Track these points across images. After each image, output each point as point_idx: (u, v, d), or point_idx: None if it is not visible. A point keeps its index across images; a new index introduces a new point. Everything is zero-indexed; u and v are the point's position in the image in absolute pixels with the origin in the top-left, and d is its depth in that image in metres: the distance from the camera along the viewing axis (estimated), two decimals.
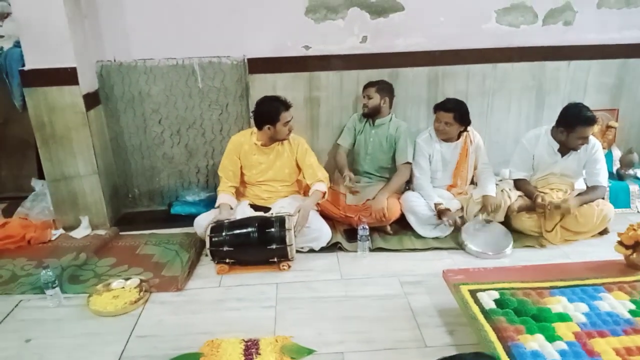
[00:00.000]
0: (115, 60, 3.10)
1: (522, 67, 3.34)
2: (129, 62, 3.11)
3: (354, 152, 3.22)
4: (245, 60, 3.15)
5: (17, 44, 3.17)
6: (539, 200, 2.77)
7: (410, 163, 3.04)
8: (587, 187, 2.92)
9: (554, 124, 2.86)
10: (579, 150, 2.83)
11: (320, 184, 2.85)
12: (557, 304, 1.85)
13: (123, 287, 2.41)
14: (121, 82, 3.14)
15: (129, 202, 3.43)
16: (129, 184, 3.39)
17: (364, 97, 3.07)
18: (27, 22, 2.74)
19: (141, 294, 2.37)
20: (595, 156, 2.84)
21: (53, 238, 3.03)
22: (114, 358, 1.98)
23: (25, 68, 2.85)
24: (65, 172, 3.02)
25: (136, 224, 3.22)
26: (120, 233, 3.12)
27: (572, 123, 2.72)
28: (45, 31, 2.74)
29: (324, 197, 2.85)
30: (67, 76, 2.82)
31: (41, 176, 3.32)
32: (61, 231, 3.09)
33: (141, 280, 2.46)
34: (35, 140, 3.03)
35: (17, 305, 2.36)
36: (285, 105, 2.78)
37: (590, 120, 2.69)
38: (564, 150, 2.86)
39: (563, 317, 1.77)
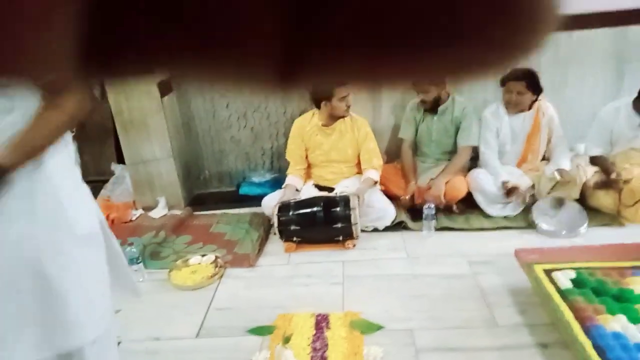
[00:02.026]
0: None
1: (600, 34, 3.11)
2: None
3: (417, 140, 3.12)
4: None
5: None
6: (615, 175, 2.62)
7: (471, 146, 2.95)
8: None
9: (636, 95, 2.66)
10: None
11: (373, 172, 2.86)
12: None
13: (200, 263, 2.57)
14: None
15: (200, 183, 3.61)
16: (200, 166, 3.57)
17: (417, 92, 2.92)
18: None
19: (216, 269, 2.51)
20: None
21: (134, 218, 3.27)
22: (195, 328, 2.13)
23: None
24: (143, 156, 3.23)
25: (208, 204, 3.40)
26: (194, 213, 3.31)
27: None
28: None
29: (375, 184, 2.86)
30: None
31: (120, 160, 3.57)
32: (141, 211, 3.32)
33: (216, 257, 2.61)
34: (114, 127, 3.26)
35: None
36: None
37: None
38: None
39: None
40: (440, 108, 2.98)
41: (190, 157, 3.52)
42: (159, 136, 3.17)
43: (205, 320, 2.18)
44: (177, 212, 3.28)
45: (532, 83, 2.77)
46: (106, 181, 3.63)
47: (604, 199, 2.72)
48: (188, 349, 2.01)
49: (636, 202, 2.63)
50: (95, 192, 3.57)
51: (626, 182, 2.61)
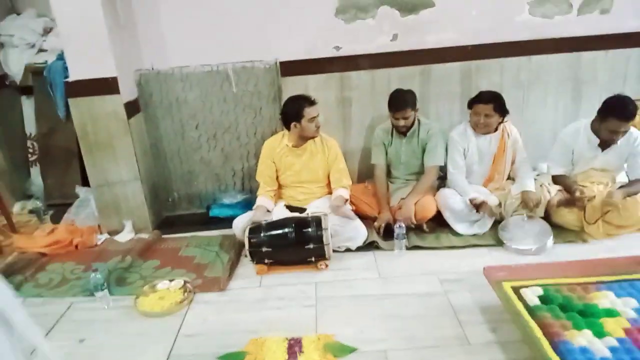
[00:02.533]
0: (153, 69, 3.21)
1: (557, 59, 3.27)
2: (166, 70, 3.20)
3: (387, 163, 3.15)
4: (278, 64, 3.20)
5: (60, 57, 3.32)
6: (578, 193, 2.71)
7: (438, 166, 3.00)
8: (630, 180, 2.84)
9: (593, 117, 2.79)
10: (619, 144, 2.75)
11: (343, 190, 2.90)
12: (604, 299, 1.81)
13: (168, 288, 2.49)
14: (159, 90, 3.24)
15: (169, 205, 3.53)
16: (168, 188, 3.50)
17: (397, 119, 2.91)
18: (69, 35, 2.86)
19: (185, 294, 2.44)
20: (637, 149, 2.75)
21: (99, 242, 3.16)
22: (163, 356, 2.05)
23: (69, 79, 2.98)
24: (109, 178, 3.14)
25: (177, 227, 3.32)
26: (162, 236, 3.22)
27: (606, 113, 2.65)
28: (87, 43, 2.85)
29: (346, 202, 2.88)
30: (108, 85, 2.93)
31: (85, 183, 3.46)
32: (106, 235, 3.22)
33: (185, 282, 2.54)
34: (78, 149, 3.17)
35: (69, 307, 2.48)
36: (309, 101, 2.81)
37: (624, 115, 2.59)
38: (604, 144, 2.78)
39: (611, 313, 1.74)
40: (409, 132, 3.03)
41: (158, 178, 3.45)
42: (126, 158, 3.09)
43: (174, 347, 2.11)
44: (145, 235, 3.19)
45: (498, 106, 2.86)
46: (70, 205, 3.51)
47: (568, 216, 2.81)
48: None
49: (598, 219, 2.73)
50: (59, 216, 3.45)
51: (589, 200, 2.71)
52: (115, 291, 2.54)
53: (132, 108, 3.11)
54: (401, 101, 2.90)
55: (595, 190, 2.79)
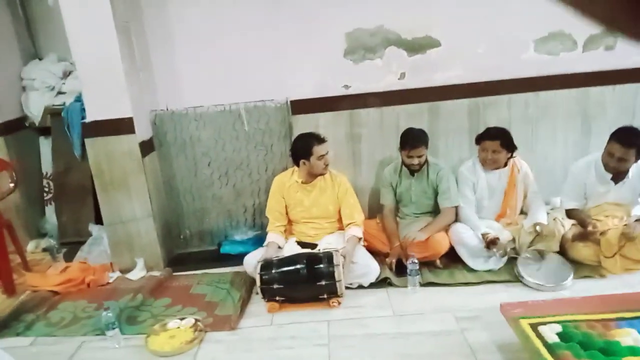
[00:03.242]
0: (167, 109, 3.30)
1: (565, 94, 3.31)
2: (180, 110, 3.29)
3: (397, 201, 3.16)
4: (289, 102, 3.27)
5: (78, 99, 3.43)
6: (591, 227, 2.68)
7: (455, 207, 2.99)
8: None
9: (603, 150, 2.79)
10: (630, 176, 2.74)
11: (356, 229, 2.87)
12: (627, 336, 1.76)
13: (179, 327, 2.47)
14: (173, 129, 3.32)
15: (180, 242, 3.54)
16: (180, 225, 3.52)
17: (411, 157, 2.91)
18: (88, 78, 2.97)
19: (196, 333, 2.41)
20: None
21: (111, 280, 3.16)
22: None
23: (86, 120, 3.07)
24: (123, 216, 3.17)
25: (188, 264, 3.31)
26: (174, 274, 3.21)
27: (610, 137, 2.69)
28: (104, 85, 2.96)
29: (359, 241, 2.87)
30: (124, 126, 3.01)
31: (98, 221, 3.50)
32: (118, 273, 3.22)
33: (196, 320, 2.51)
34: (92, 187, 3.22)
35: (80, 346, 2.46)
36: (318, 140, 2.85)
37: (624, 140, 2.61)
38: (617, 178, 2.77)
39: (635, 351, 1.68)
40: (417, 172, 3.04)
41: (170, 216, 3.48)
42: (140, 195, 3.14)
43: None
44: (156, 273, 3.19)
45: (506, 141, 2.88)
46: (84, 242, 3.53)
47: (584, 251, 2.77)
48: None
49: (615, 254, 2.68)
50: (72, 254, 3.47)
51: (602, 233, 2.67)
52: (126, 330, 2.52)
53: (146, 147, 3.18)
54: (416, 139, 2.91)
55: (610, 223, 2.75)
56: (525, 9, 3.15)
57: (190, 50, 3.23)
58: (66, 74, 3.75)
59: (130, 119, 3.01)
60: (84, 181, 3.69)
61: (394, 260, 2.85)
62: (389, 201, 3.12)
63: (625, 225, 2.67)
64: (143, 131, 3.16)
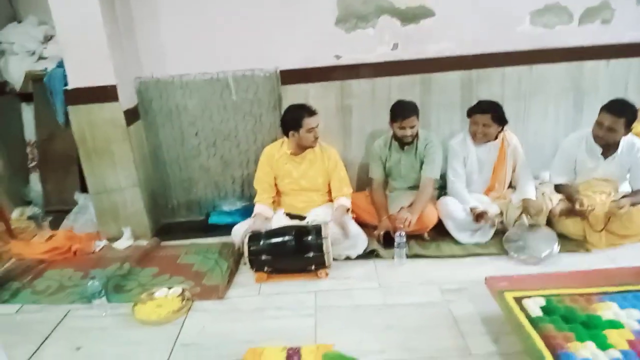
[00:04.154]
0: (153, 77, 3.21)
1: (559, 68, 3.27)
2: (165, 78, 3.20)
3: (387, 175, 3.14)
4: (278, 72, 3.20)
5: (60, 65, 3.31)
6: (578, 205, 2.69)
7: (434, 179, 2.97)
8: (633, 190, 2.83)
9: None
10: (619, 152, 2.75)
11: (345, 199, 2.88)
12: (608, 310, 1.79)
13: (166, 296, 2.47)
14: (159, 97, 3.24)
15: (168, 212, 3.51)
16: (167, 195, 3.48)
17: (404, 128, 2.87)
18: (69, 44, 2.86)
19: (183, 302, 2.41)
20: (639, 160, 2.75)
21: (97, 249, 3.14)
22: None
23: (69, 87, 2.97)
24: (107, 185, 3.12)
25: (175, 234, 3.30)
26: (161, 243, 3.20)
27: (601, 109, 2.70)
28: (86, 51, 2.85)
29: (347, 211, 2.87)
30: (107, 93, 2.92)
31: (84, 190, 3.45)
32: (105, 242, 3.19)
33: (183, 289, 2.51)
34: (77, 155, 3.16)
35: (66, 314, 2.45)
36: (309, 112, 2.80)
37: (614, 109, 2.62)
38: (606, 153, 2.78)
39: (615, 324, 1.71)
40: (408, 145, 3.01)
41: (157, 185, 3.43)
42: (125, 165, 3.08)
43: (171, 357, 2.08)
44: (143, 242, 3.17)
45: (497, 116, 2.86)
46: (69, 211, 3.49)
47: (570, 226, 2.79)
48: None
49: (602, 229, 2.71)
50: (58, 223, 3.43)
51: (589, 211, 2.69)
52: (112, 299, 2.52)
53: (131, 115, 3.10)
54: (408, 109, 2.88)
55: (598, 199, 2.77)
56: None
57: (176, 16, 3.12)
58: (47, 38, 3.61)
59: (114, 87, 2.92)
60: (68, 149, 3.60)
61: (381, 233, 2.85)
62: (378, 175, 3.10)
63: (613, 201, 2.69)
64: (127, 99, 3.08)
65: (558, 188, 2.92)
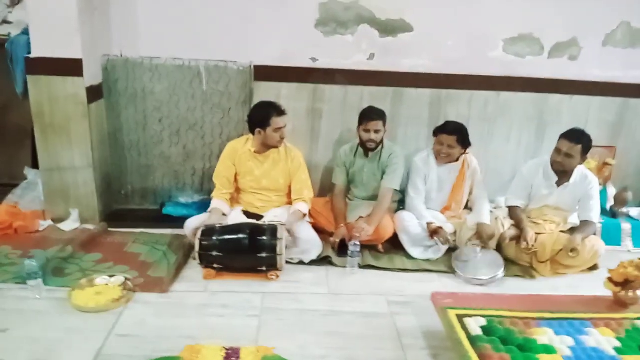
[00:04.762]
0: (121, 55, 3.11)
1: (525, 97, 3.37)
2: (135, 59, 3.11)
3: (349, 181, 3.15)
4: (252, 67, 3.16)
5: (25, 32, 3.16)
6: (524, 245, 2.76)
7: (394, 190, 3.00)
8: (580, 221, 2.93)
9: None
10: (572, 182, 2.86)
11: (303, 204, 2.85)
12: (544, 335, 1.83)
13: (107, 284, 2.37)
14: (125, 78, 3.14)
15: (121, 198, 3.40)
16: (122, 180, 3.37)
17: (368, 131, 2.91)
18: (38, 10, 2.74)
19: (124, 292, 2.33)
20: (590, 192, 2.87)
21: (41, 229, 3.00)
22: (91, 355, 1.94)
23: (31, 55, 2.84)
24: (60, 163, 2.99)
25: (126, 221, 3.19)
26: (109, 229, 3.09)
27: (559, 137, 2.84)
28: (54, 20, 2.74)
29: (303, 217, 2.85)
30: (72, 67, 2.81)
31: (35, 165, 3.29)
32: (50, 222, 3.06)
33: (126, 279, 2.42)
34: (32, 129, 3.02)
35: None
36: (278, 111, 2.77)
37: (573, 137, 2.77)
38: (561, 181, 2.88)
39: (548, 349, 1.75)
40: (372, 153, 3.03)
41: (113, 169, 3.31)
42: (81, 144, 2.96)
43: (104, 347, 2.00)
44: (91, 226, 3.05)
45: (462, 138, 2.93)
46: (17, 186, 3.32)
47: (519, 252, 2.86)
48: None
49: (548, 260, 2.79)
50: (2, 197, 3.26)
51: (532, 251, 2.79)
52: (50, 282, 2.40)
53: (94, 93, 2.99)
54: (374, 113, 2.93)
55: (547, 228, 2.86)
56: (500, 7, 3.17)
57: None
58: (14, 2, 3.44)
59: (79, 61, 2.81)
60: (24, 121, 3.43)
61: (337, 240, 2.85)
62: (340, 181, 3.10)
63: (568, 238, 2.77)
64: (92, 76, 2.97)
65: (512, 210, 2.99)
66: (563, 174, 2.87)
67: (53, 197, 3.08)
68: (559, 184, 2.89)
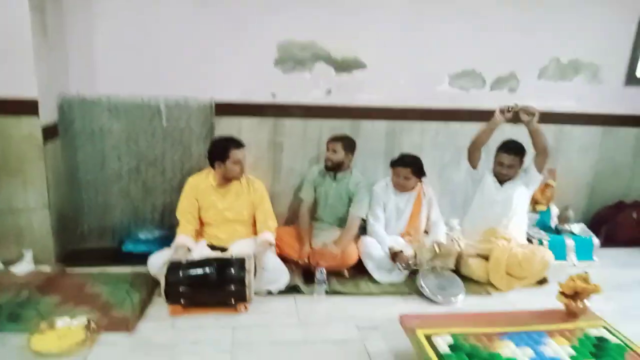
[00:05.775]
0: (78, 94, 3.07)
1: (471, 127, 3.59)
2: (92, 97, 3.08)
3: (315, 202, 3.27)
4: (213, 103, 3.21)
5: None
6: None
7: (361, 218, 3.13)
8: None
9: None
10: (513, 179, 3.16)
11: (269, 234, 2.90)
12: (507, 348, 1.94)
13: (69, 327, 2.28)
14: (82, 117, 3.09)
15: (77, 238, 3.28)
16: (79, 219, 3.26)
17: (328, 150, 3.14)
18: None
19: (88, 334, 2.24)
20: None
21: None
22: None
23: None
24: (14, 204, 2.87)
25: (84, 261, 3.08)
26: (66, 270, 2.97)
27: (497, 150, 3.17)
28: (9, 59, 2.68)
29: (270, 246, 2.90)
30: (27, 107, 2.74)
31: None
32: (0, 266, 2.90)
33: (89, 320, 2.33)
34: None
35: None
36: (236, 144, 2.84)
37: (511, 149, 3.09)
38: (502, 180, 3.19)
39: None
40: (340, 175, 3.16)
41: (68, 209, 3.21)
42: (36, 184, 2.86)
43: None
44: (46, 268, 2.91)
45: (416, 169, 3.12)
46: None
47: (475, 269, 3.04)
48: None
49: (502, 273, 2.97)
50: None
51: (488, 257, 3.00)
52: (6, 328, 2.28)
53: (49, 132, 2.92)
54: (338, 136, 3.15)
55: (500, 244, 3.05)
56: (445, 45, 3.44)
57: (111, 32, 3.06)
58: None
59: (35, 101, 2.75)
60: None
61: (306, 260, 2.94)
62: (308, 196, 3.22)
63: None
64: (48, 115, 2.91)
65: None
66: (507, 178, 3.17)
67: (4, 238, 2.92)
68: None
